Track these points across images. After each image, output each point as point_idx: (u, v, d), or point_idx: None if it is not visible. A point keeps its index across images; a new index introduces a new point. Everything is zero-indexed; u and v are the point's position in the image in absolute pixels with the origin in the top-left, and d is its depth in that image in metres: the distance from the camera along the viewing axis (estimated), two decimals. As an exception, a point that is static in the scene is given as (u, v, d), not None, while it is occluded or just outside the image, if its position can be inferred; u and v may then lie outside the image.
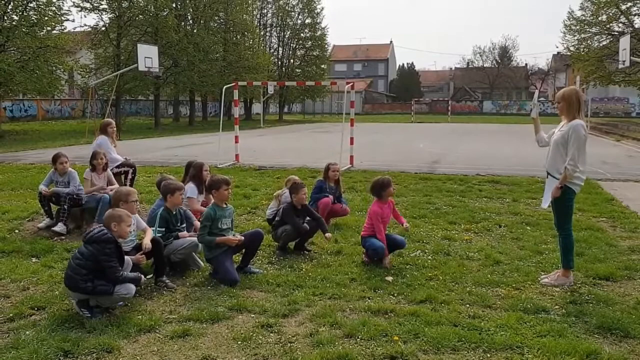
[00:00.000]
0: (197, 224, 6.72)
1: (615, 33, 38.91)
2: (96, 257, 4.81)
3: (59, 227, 7.79)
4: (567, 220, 5.76)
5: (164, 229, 6.10)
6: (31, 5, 28.20)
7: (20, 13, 28.02)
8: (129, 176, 9.84)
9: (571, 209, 5.77)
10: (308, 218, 7.03)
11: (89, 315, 4.78)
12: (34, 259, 6.58)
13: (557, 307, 5.10)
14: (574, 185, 5.57)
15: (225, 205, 6.08)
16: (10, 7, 27.57)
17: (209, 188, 6.35)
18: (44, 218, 8.29)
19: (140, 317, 4.84)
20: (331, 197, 8.29)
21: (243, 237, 6.07)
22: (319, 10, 58.73)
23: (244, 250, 6.23)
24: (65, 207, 7.91)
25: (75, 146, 21.88)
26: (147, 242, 5.56)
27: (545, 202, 5.84)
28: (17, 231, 7.94)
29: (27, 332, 4.52)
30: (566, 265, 5.75)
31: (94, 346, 4.25)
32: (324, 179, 8.54)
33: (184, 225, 6.39)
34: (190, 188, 7.77)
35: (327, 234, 6.87)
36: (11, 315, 4.90)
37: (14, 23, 27.65)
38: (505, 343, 4.32)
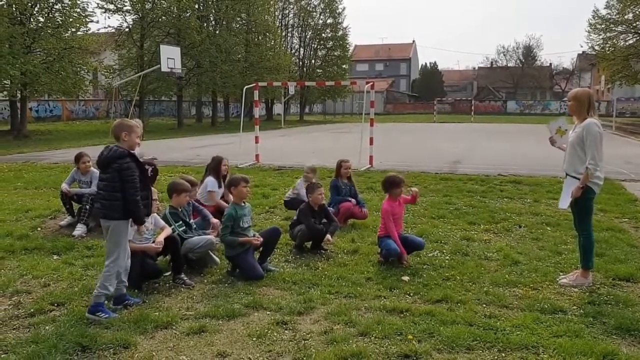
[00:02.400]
0: (214, 220, 6.83)
1: (642, 31, 38.25)
2: (120, 174, 4.77)
3: (79, 230, 7.80)
4: (587, 220, 5.70)
5: (181, 223, 6.21)
6: (56, 7, 28.71)
7: (46, 15, 28.53)
8: (149, 174, 9.84)
9: (591, 209, 5.72)
10: (324, 220, 7.07)
11: (107, 315, 4.81)
12: (55, 256, 6.71)
13: (574, 307, 5.04)
14: (594, 185, 5.51)
15: (244, 204, 6.14)
16: (36, 9, 28.08)
17: (228, 185, 6.44)
18: (65, 216, 8.43)
19: (157, 313, 4.90)
20: (353, 200, 8.36)
21: (262, 238, 6.15)
22: (340, 10, 58.78)
23: (261, 247, 6.29)
24: (87, 207, 7.98)
25: (99, 146, 22.19)
26: (160, 238, 5.65)
27: (565, 203, 5.76)
28: (39, 229, 8.09)
29: (47, 327, 4.61)
30: (585, 265, 5.68)
31: (111, 341, 4.32)
32: (336, 177, 8.57)
33: (192, 220, 6.49)
34: (210, 182, 7.88)
35: (330, 238, 6.96)
36: (32, 310, 5.00)
37: (39, 25, 28.17)
38: (521, 343, 4.28)
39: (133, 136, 4.95)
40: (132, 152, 4.94)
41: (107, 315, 4.79)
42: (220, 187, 7.99)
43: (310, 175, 8.51)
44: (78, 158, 8.45)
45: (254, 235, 6.11)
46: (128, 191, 4.79)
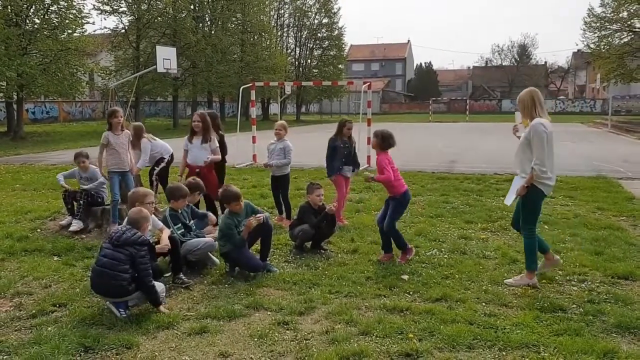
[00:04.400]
0: (213, 218, 6.89)
1: (637, 30, 38.38)
2: (134, 260, 4.86)
3: (75, 226, 7.93)
4: (532, 220, 5.68)
5: (180, 226, 6.25)
6: (52, 8, 28.58)
7: (42, 16, 28.42)
8: (162, 164, 9.30)
9: (538, 210, 5.73)
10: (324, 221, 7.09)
11: (125, 314, 4.83)
12: (55, 258, 6.71)
13: (574, 306, 5.07)
14: (543, 186, 5.53)
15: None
16: (32, 10, 27.99)
17: (222, 200, 6.50)
18: (66, 216, 8.45)
19: (158, 314, 4.91)
20: (349, 173, 8.53)
21: (261, 215, 6.20)
22: (335, 10, 58.75)
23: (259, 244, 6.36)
24: (82, 202, 8.10)
25: (95, 147, 22.18)
26: (165, 237, 5.68)
27: (509, 199, 5.82)
28: (39, 230, 8.09)
29: (49, 328, 4.62)
30: (529, 267, 5.67)
31: (114, 342, 4.34)
32: (336, 136, 8.48)
33: (192, 222, 6.52)
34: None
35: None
36: (34, 311, 5.01)
37: (35, 26, 28.07)
38: (521, 341, 4.31)
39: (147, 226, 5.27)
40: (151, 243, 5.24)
41: (125, 315, 4.83)
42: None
43: (281, 132, 8.67)
44: (75, 157, 8.57)
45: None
46: (143, 275, 4.88)
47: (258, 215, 6.17)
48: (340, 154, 8.38)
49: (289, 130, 8.92)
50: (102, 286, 4.86)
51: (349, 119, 8.75)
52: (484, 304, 5.14)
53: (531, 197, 5.57)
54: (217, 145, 8.00)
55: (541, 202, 5.70)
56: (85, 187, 8.31)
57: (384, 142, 6.53)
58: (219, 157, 8.08)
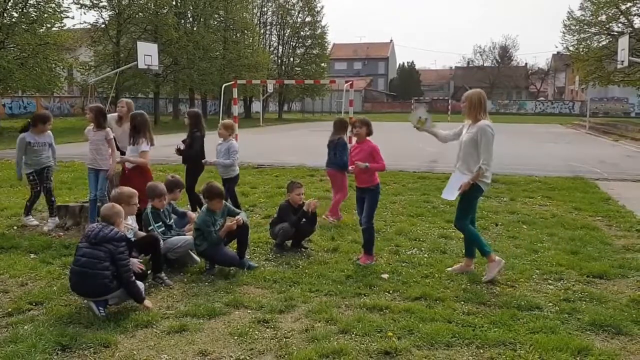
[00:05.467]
0: (192, 215, 6.86)
1: (615, 33, 38.94)
2: (113, 256, 4.82)
3: (50, 224, 7.85)
4: (467, 215, 5.99)
5: (161, 224, 6.22)
6: (31, 2, 28.22)
7: (20, 10, 28.04)
8: None
9: (475, 205, 6.10)
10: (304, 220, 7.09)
11: (104, 314, 4.79)
12: (32, 255, 6.62)
13: (550, 304, 5.15)
14: (484, 183, 5.83)
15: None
16: (10, 3, 27.58)
17: (205, 195, 6.46)
18: (47, 220, 8.19)
19: (137, 312, 4.88)
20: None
21: (241, 220, 6.17)
22: (319, 9, 58.86)
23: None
24: (53, 199, 8.10)
25: (74, 144, 21.92)
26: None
27: (452, 195, 5.98)
28: (15, 227, 7.99)
29: (26, 327, 4.56)
30: (485, 253, 5.89)
31: (92, 341, 4.30)
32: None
33: (172, 220, 6.49)
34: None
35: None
36: (10, 310, 4.95)
37: (13, 20, 27.68)
38: (498, 339, 4.37)
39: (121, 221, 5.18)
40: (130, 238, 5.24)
41: (104, 314, 4.80)
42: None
43: (222, 132, 8.42)
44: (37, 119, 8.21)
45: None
46: (124, 275, 4.84)
47: (238, 217, 6.16)
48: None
49: (235, 129, 8.85)
50: (83, 286, 4.81)
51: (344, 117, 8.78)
52: (462, 302, 5.19)
53: (473, 194, 5.88)
54: (147, 149, 7.36)
55: (478, 199, 6.06)
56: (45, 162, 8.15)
57: (369, 128, 6.57)
58: (145, 162, 7.35)
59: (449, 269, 6.12)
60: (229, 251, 6.22)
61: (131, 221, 5.93)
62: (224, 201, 6.30)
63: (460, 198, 5.89)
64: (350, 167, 6.48)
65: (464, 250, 6.34)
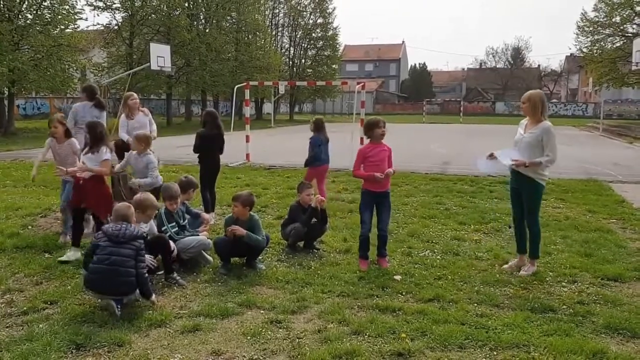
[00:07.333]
0: (206, 216, 6.90)
1: (629, 34, 38.59)
2: (138, 254, 4.94)
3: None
4: (538, 211, 6.17)
5: (174, 224, 6.27)
6: (45, 4, 28.45)
7: (35, 12, 28.28)
8: None
9: (540, 202, 6.18)
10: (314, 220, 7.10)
11: (120, 312, 4.83)
12: (46, 255, 6.68)
13: (564, 307, 5.11)
14: (543, 180, 5.98)
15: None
16: (24, 5, 27.84)
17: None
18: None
19: (151, 312, 4.91)
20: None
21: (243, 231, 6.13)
22: (330, 10, 58.87)
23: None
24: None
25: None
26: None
27: (490, 167, 6.45)
28: (30, 227, 8.06)
29: (41, 326, 4.60)
30: (536, 255, 6.14)
31: (106, 340, 4.33)
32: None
33: (185, 221, 6.53)
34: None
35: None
36: (25, 308, 4.99)
37: (28, 22, 27.92)
38: (512, 341, 4.34)
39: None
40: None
41: (120, 312, 4.85)
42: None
43: (138, 146, 7.39)
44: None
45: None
46: (139, 271, 4.93)
47: (233, 227, 6.08)
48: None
49: (152, 143, 8.03)
50: (111, 284, 4.82)
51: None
52: (475, 304, 5.17)
53: (537, 192, 6.03)
54: (107, 158, 6.64)
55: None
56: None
57: (365, 131, 6.53)
58: (106, 170, 6.69)
59: (505, 266, 6.27)
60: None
61: (149, 226, 5.96)
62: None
63: (529, 197, 6.04)
64: (377, 174, 6.11)
65: (516, 247, 6.45)
